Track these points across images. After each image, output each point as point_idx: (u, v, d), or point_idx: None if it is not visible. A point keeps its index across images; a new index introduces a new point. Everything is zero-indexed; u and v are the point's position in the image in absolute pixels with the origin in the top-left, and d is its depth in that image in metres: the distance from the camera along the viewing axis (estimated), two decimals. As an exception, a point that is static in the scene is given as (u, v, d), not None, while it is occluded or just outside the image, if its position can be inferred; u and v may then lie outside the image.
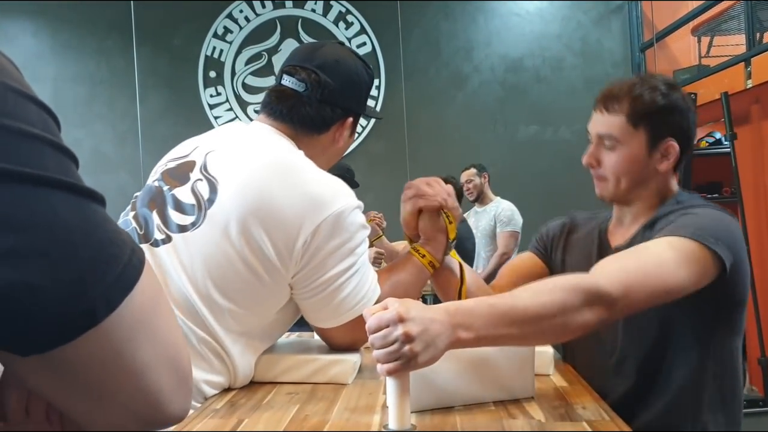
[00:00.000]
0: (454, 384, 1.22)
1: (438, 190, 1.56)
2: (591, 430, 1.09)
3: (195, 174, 1.42)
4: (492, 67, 6.59)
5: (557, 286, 1.20)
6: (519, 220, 5.28)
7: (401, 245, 1.65)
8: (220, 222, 1.34)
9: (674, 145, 1.54)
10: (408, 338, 1.02)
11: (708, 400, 1.49)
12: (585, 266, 1.39)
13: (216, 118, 6.49)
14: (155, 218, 1.40)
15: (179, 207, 1.39)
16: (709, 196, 5.65)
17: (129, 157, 6.42)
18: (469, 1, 6.55)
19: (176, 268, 1.35)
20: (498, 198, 5.44)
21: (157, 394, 0.59)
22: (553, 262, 1.74)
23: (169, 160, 1.52)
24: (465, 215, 5.59)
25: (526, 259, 1.79)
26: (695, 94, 4.55)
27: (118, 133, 6.54)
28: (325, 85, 1.52)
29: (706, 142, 5.61)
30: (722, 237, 1.37)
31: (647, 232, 1.51)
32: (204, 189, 1.39)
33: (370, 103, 6.37)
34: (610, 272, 1.26)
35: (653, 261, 1.30)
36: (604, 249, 1.60)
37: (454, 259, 1.63)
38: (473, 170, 5.41)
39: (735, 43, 5.57)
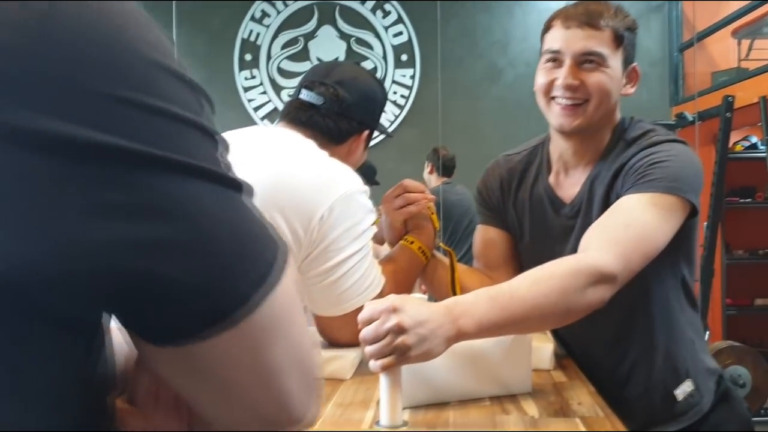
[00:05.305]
0: (449, 379, 1.22)
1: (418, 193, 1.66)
2: (583, 426, 1.10)
3: None
4: (527, 62, 6.54)
5: (556, 272, 1.22)
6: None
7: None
8: None
9: (638, 70, 1.55)
10: (400, 329, 1.02)
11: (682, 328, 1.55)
12: (546, 230, 1.54)
13: (250, 101, 6.53)
14: None
15: None
16: (742, 200, 5.59)
17: (163, 136, 6.47)
18: (507, -5, 6.52)
19: None
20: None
21: (287, 396, 0.57)
22: (510, 225, 1.68)
23: None
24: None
25: (488, 237, 1.71)
26: (733, 97, 4.49)
27: (153, 112, 6.59)
28: (343, 99, 1.57)
29: (742, 146, 5.54)
30: (694, 182, 1.40)
31: (600, 181, 1.50)
32: None
33: (404, 91, 6.40)
34: (604, 247, 1.27)
35: (641, 226, 1.32)
36: (557, 207, 1.58)
37: (443, 249, 1.68)
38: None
39: (776, 47, 5.49)
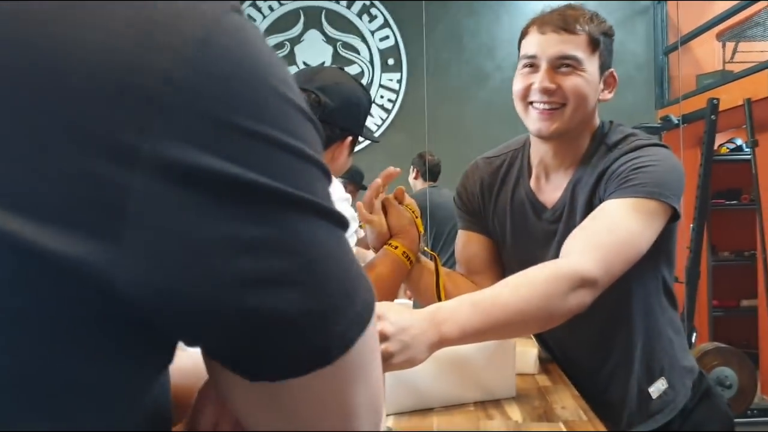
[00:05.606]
0: (433, 385, 1.22)
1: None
2: (567, 430, 1.11)
3: None
4: (514, 66, 6.51)
5: (537, 277, 1.22)
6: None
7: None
8: None
9: (615, 76, 1.56)
10: (382, 336, 1.02)
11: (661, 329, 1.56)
12: (527, 235, 1.54)
13: (237, 105, 6.53)
14: None
15: None
16: (728, 202, 5.63)
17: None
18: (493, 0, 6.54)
19: None
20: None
21: None
22: (491, 229, 1.68)
23: None
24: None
25: (470, 243, 1.71)
26: (717, 100, 4.51)
27: (139, 117, 6.57)
28: (325, 105, 1.57)
29: (727, 148, 5.58)
30: (676, 187, 1.41)
31: (582, 186, 1.50)
32: None
33: (391, 95, 6.41)
34: (586, 252, 1.28)
35: (624, 231, 1.33)
36: (539, 211, 1.58)
37: (428, 252, 1.66)
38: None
39: (760, 49, 5.52)
